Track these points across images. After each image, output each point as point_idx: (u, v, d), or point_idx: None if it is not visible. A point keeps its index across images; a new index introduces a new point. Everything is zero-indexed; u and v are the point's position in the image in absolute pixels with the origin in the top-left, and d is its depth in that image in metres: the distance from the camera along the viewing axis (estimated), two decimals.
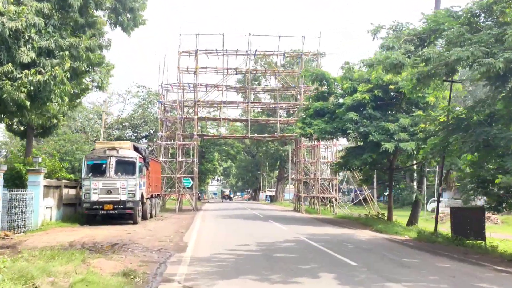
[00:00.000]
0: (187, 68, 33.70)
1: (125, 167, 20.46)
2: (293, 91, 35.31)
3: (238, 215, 29.36)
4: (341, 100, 23.44)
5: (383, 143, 19.72)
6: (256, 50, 33.67)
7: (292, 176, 41.97)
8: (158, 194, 26.97)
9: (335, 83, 23.86)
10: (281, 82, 35.18)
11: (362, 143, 22.73)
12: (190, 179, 40.74)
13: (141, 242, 13.74)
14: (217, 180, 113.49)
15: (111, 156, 19.99)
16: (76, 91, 17.29)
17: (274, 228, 20.35)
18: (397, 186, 29.16)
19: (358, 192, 33.10)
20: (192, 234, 16.88)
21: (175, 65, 36.61)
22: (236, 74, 35.91)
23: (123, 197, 19.71)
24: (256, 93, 41.19)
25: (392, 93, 21.48)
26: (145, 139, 52.32)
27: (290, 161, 54.20)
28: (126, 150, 20.63)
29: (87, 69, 15.25)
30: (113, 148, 20.37)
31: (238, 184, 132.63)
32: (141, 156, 21.28)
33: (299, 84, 34.72)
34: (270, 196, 79.39)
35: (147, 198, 22.58)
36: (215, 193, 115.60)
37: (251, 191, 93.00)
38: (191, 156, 33.64)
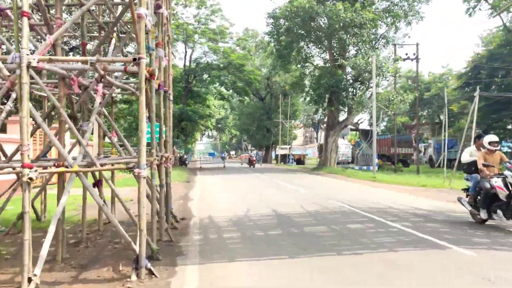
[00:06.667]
0: None
1: None
2: None
3: None
4: None
5: None
6: None
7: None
8: None
9: None
10: None
11: None
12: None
13: None
14: (208, 135, 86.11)
15: None
16: None
17: None
18: None
19: None
20: None
21: None
22: None
23: None
24: None
25: None
26: None
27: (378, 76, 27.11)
28: None
29: None
30: None
31: (232, 141, 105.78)
32: None
33: None
34: (292, 156, 52.23)
35: None
36: (210, 154, 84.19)
37: (257, 149, 65.85)
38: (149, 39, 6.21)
